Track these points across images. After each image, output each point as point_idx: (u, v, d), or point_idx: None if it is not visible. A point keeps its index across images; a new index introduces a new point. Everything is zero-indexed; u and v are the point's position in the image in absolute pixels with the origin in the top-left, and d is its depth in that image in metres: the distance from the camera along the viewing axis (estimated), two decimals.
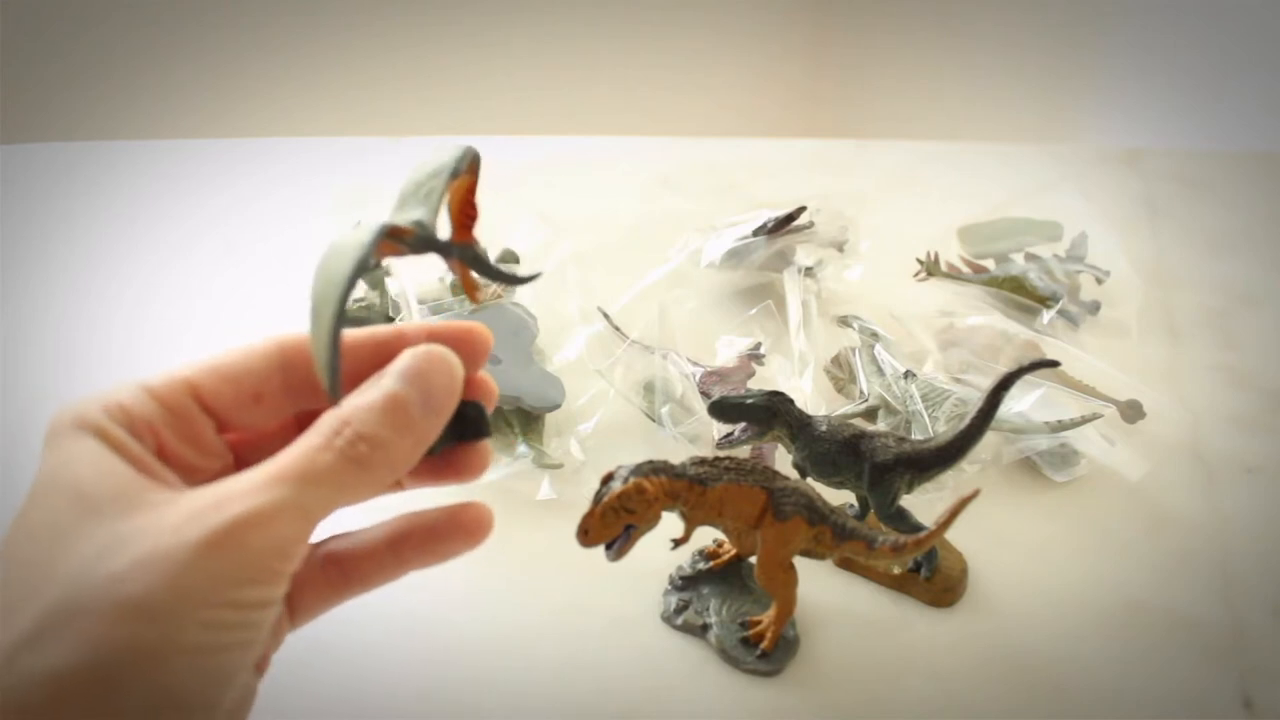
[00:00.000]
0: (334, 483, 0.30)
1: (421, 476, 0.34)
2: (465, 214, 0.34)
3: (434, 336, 0.33)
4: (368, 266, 0.31)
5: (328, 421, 0.31)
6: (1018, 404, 0.60)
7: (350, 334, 0.33)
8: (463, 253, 0.34)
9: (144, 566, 0.27)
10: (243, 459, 0.33)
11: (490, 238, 0.74)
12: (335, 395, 0.31)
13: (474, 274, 0.35)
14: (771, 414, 0.53)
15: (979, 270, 0.72)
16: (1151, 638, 0.52)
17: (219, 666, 0.28)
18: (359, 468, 0.30)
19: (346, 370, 0.31)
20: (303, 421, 0.33)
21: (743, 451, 0.56)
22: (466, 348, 0.33)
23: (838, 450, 0.52)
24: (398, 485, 0.34)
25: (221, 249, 0.78)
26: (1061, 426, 0.59)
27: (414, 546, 0.34)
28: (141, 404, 0.31)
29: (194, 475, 0.32)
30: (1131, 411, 0.62)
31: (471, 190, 0.34)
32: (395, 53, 1.18)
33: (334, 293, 0.30)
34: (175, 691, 0.27)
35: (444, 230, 0.33)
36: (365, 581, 0.34)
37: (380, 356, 0.32)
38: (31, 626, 0.26)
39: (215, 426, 0.32)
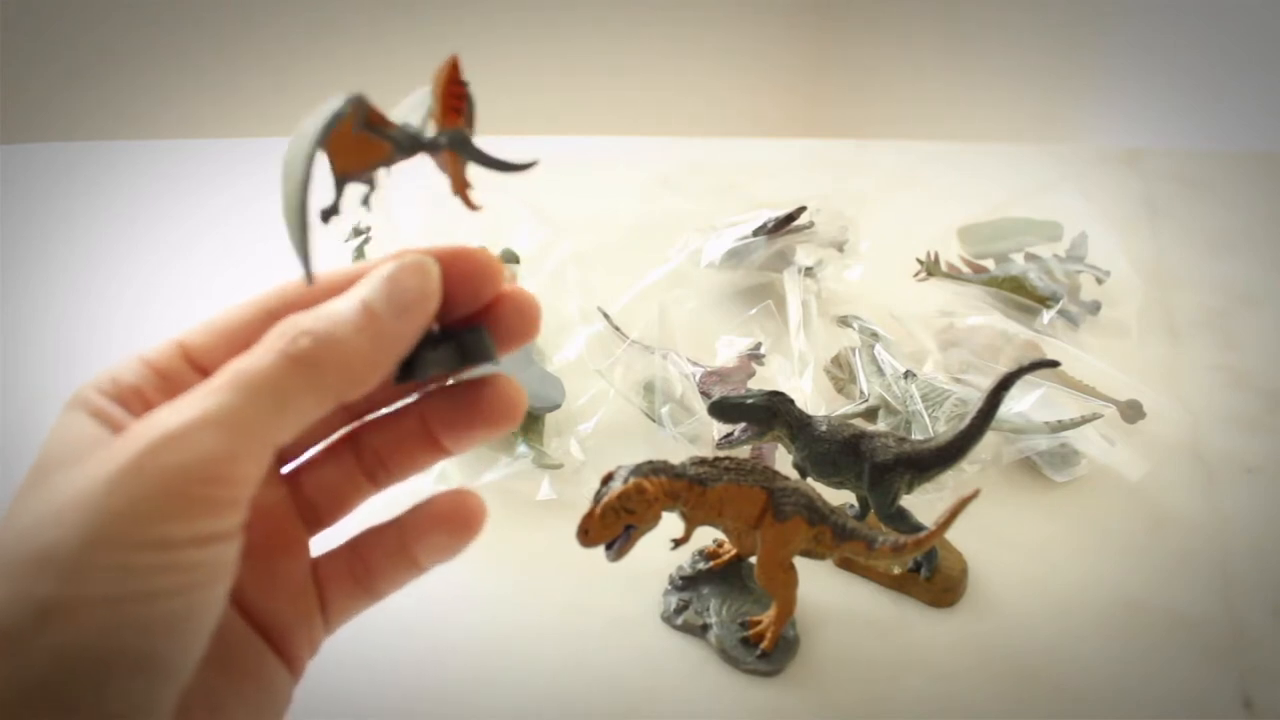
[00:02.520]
0: (273, 387, 0.26)
1: (449, 426, 0.32)
2: (452, 93, 0.30)
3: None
4: (328, 135, 0.28)
5: (276, 326, 0.28)
6: (1018, 404, 0.60)
7: (340, 270, 0.30)
8: (452, 139, 0.30)
9: (57, 513, 0.25)
10: None
11: (490, 238, 0.74)
12: (310, 281, 0.28)
13: (467, 169, 0.31)
14: (771, 414, 0.53)
15: (979, 270, 0.72)
16: (1151, 638, 0.52)
17: (156, 617, 0.25)
18: (303, 367, 0.27)
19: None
20: None
21: (743, 451, 0.56)
22: (467, 268, 0.30)
23: (838, 450, 0.52)
24: (436, 448, 0.32)
25: (221, 249, 0.78)
26: (1061, 426, 0.59)
27: (418, 535, 0.32)
28: (133, 372, 0.29)
29: None
30: (1131, 411, 0.62)
31: (455, 71, 0.30)
32: (395, 52, 1.18)
33: (298, 171, 0.27)
34: (95, 648, 0.24)
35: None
36: (386, 577, 0.32)
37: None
38: None
39: None
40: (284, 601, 0.31)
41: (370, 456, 0.33)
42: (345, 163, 0.30)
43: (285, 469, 0.33)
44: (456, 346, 0.30)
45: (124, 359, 0.30)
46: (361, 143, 0.30)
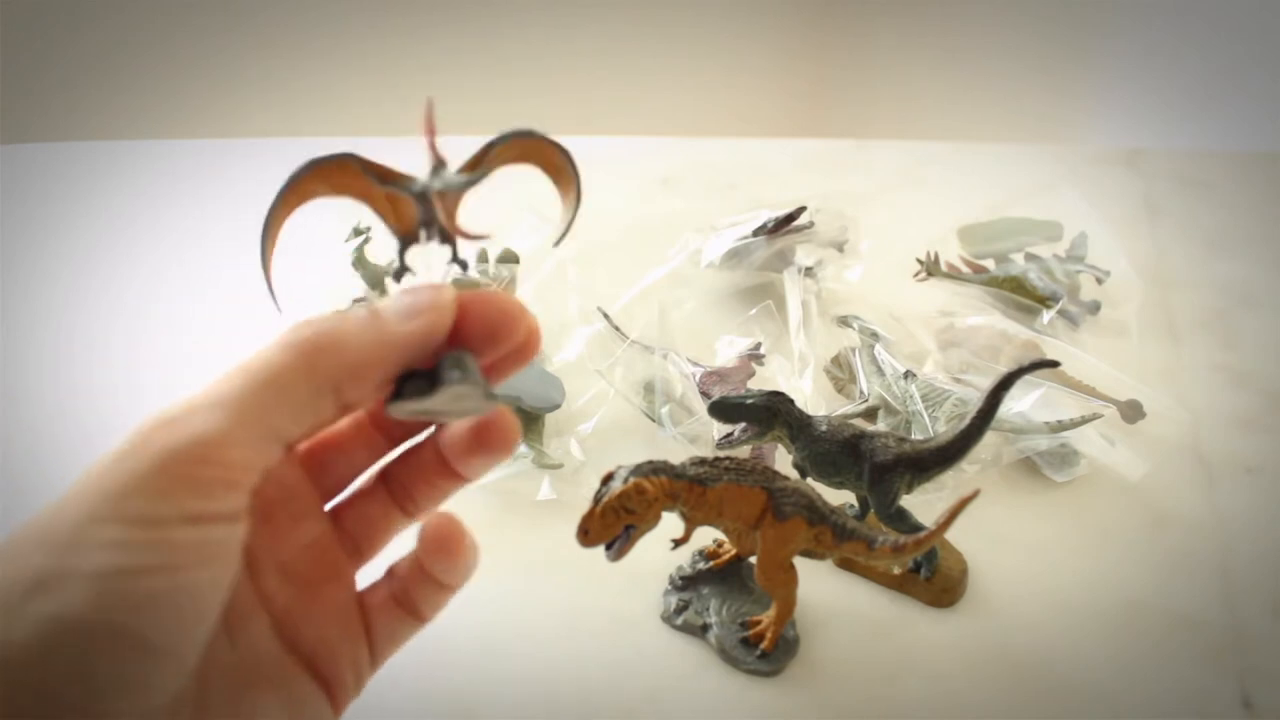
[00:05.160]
0: (270, 372, 0.27)
1: (458, 454, 0.32)
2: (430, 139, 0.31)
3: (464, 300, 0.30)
4: (292, 184, 0.30)
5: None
6: (1018, 404, 0.60)
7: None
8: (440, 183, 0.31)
9: (60, 495, 0.26)
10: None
11: (491, 238, 0.74)
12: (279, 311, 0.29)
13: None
14: (771, 414, 0.53)
15: (979, 270, 0.72)
16: (1151, 638, 0.52)
17: (145, 593, 0.25)
18: (300, 354, 0.28)
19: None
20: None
21: (743, 451, 0.56)
22: (489, 310, 0.30)
23: (838, 450, 0.52)
24: (454, 476, 0.33)
25: (221, 249, 0.78)
26: (1061, 426, 0.59)
27: (427, 555, 0.33)
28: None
29: None
30: (1131, 411, 0.62)
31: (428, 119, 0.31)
32: (396, 52, 1.18)
33: (263, 225, 0.29)
34: (82, 620, 0.24)
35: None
36: (421, 598, 0.33)
37: None
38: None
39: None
40: (329, 627, 0.32)
41: (399, 490, 0.34)
42: (400, 225, 0.31)
43: (327, 506, 0.33)
44: (433, 372, 0.30)
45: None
46: (396, 202, 0.31)
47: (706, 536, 0.53)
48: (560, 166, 0.33)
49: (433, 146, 0.31)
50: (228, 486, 0.27)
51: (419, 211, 0.31)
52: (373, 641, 0.33)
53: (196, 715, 0.28)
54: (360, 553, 0.34)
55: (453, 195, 0.31)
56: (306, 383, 0.28)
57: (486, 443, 0.32)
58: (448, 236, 0.31)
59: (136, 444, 0.26)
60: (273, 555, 0.31)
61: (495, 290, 0.31)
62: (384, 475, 0.34)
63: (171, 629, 0.26)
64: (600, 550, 0.46)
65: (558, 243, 0.34)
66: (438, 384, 0.29)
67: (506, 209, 0.74)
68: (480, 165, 0.32)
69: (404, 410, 0.30)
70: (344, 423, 0.33)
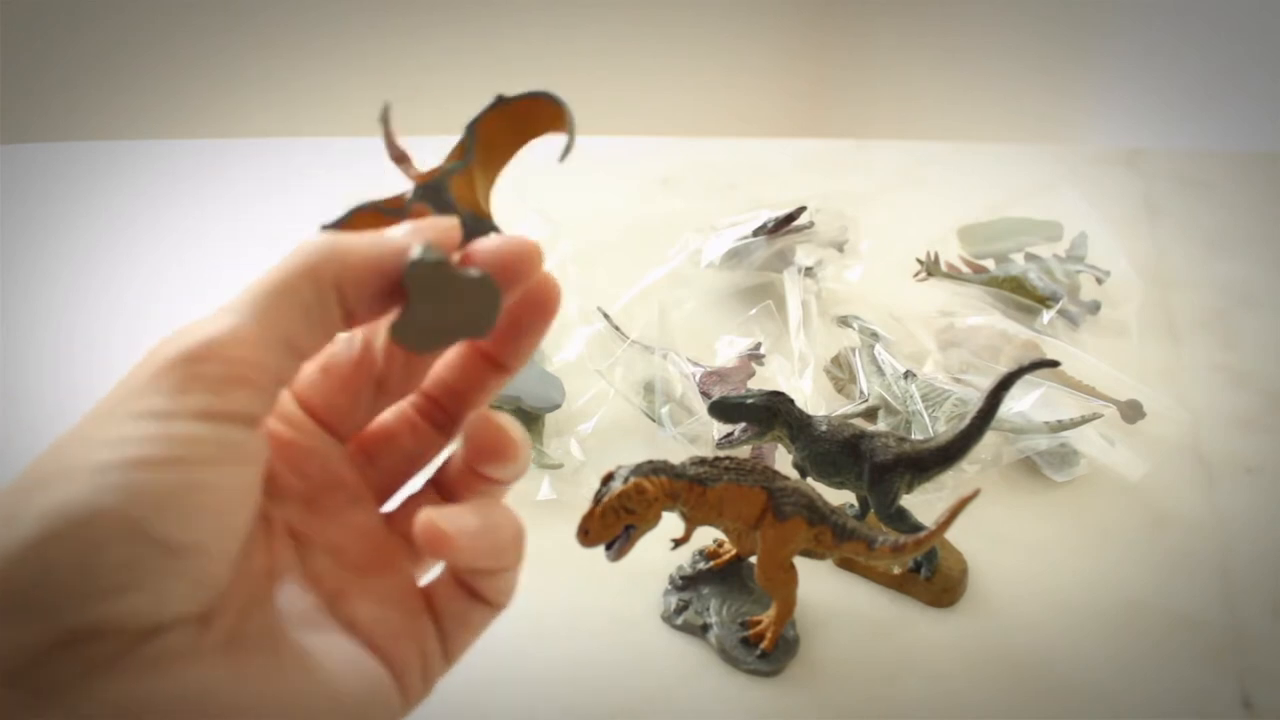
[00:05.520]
0: (275, 278, 0.28)
1: (480, 461, 0.32)
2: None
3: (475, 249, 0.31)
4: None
5: None
6: (1018, 404, 0.60)
7: None
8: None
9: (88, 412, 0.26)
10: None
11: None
12: None
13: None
14: (771, 414, 0.53)
15: (979, 270, 0.72)
16: (1151, 638, 0.52)
17: (148, 484, 0.25)
18: (304, 260, 0.28)
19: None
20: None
21: (743, 451, 0.56)
22: (510, 264, 0.30)
23: (838, 450, 0.52)
24: (486, 480, 0.33)
25: (221, 249, 0.78)
26: (1061, 426, 0.59)
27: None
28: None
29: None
30: (1131, 411, 0.62)
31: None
32: (395, 52, 1.18)
33: None
34: (82, 507, 0.24)
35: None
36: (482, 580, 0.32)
37: None
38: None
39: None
40: (387, 609, 0.31)
41: (446, 493, 0.34)
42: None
43: (383, 509, 0.33)
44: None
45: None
46: (421, 213, 0.31)
47: (706, 536, 0.53)
48: (550, 113, 0.34)
49: (391, 144, 0.31)
50: (239, 383, 0.27)
51: (434, 210, 0.31)
52: (442, 629, 0.32)
53: (229, 647, 0.27)
54: (419, 555, 0.33)
55: (463, 183, 0.32)
56: (310, 286, 0.28)
57: (484, 453, 0.32)
58: (479, 220, 0.32)
59: (148, 355, 0.27)
60: (322, 537, 0.31)
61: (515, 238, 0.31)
62: (435, 481, 0.34)
63: (183, 525, 0.25)
64: (600, 550, 0.46)
65: (563, 158, 0.35)
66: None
67: (507, 209, 0.74)
68: (466, 149, 0.32)
69: (403, 331, 0.30)
70: (389, 415, 0.33)
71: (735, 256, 0.71)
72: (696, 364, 0.63)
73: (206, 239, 0.79)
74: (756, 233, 0.71)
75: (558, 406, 0.61)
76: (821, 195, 0.74)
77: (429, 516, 0.29)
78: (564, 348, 0.66)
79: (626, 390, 0.64)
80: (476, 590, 0.32)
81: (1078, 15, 1.17)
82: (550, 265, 0.72)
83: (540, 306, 0.32)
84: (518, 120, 0.36)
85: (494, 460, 0.32)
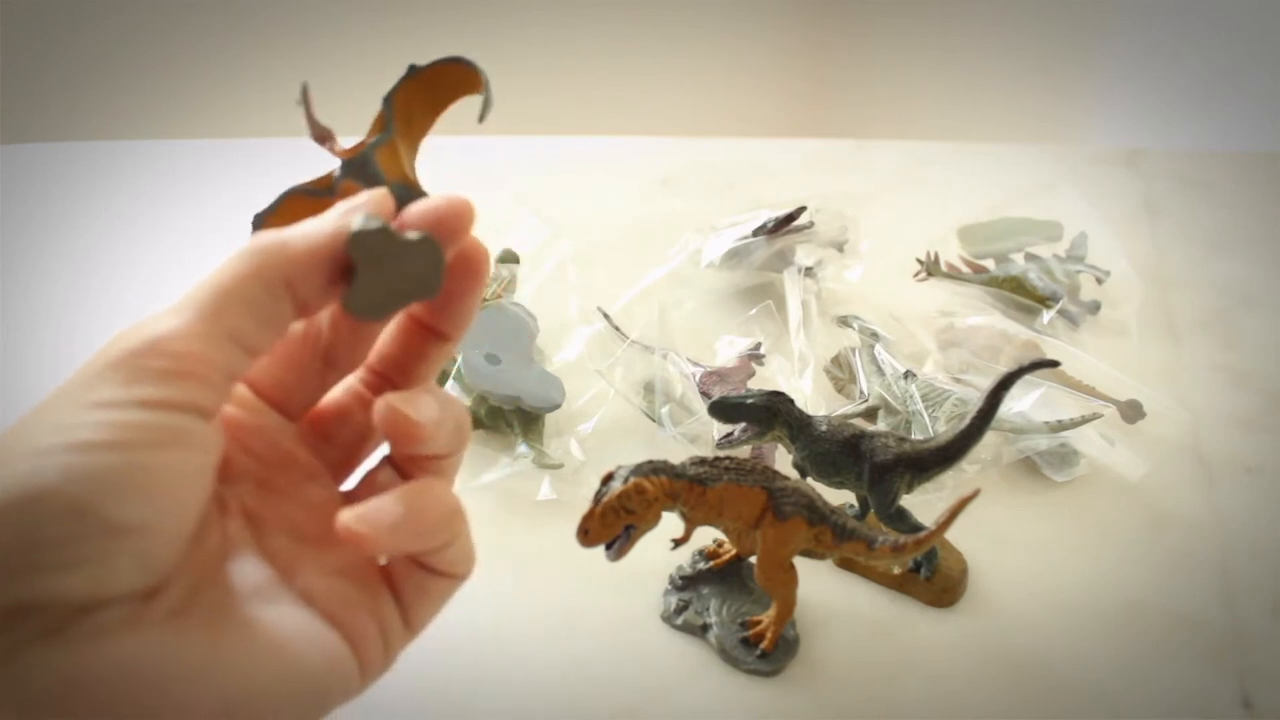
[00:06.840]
0: (221, 275, 0.29)
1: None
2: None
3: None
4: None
5: None
6: (1018, 404, 0.60)
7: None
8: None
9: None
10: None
11: (491, 237, 0.74)
12: None
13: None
14: (771, 414, 0.53)
15: (979, 270, 0.72)
16: (1151, 638, 0.52)
17: (90, 466, 0.25)
18: (245, 257, 0.29)
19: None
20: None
21: (743, 451, 0.56)
22: (446, 222, 0.31)
23: (838, 450, 0.52)
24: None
25: (221, 249, 0.78)
26: (1061, 426, 0.59)
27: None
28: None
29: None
30: (1131, 411, 0.62)
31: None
32: (396, 52, 1.18)
33: None
34: (22, 486, 0.25)
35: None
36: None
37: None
38: None
39: None
40: (342, 580, 0.31)
41: (401, 470, 0.34)
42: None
43: (342, 488, 0.34)
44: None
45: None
46: (351, 190, 0.32)
47: (706, 536, 0.53)
48: (464, 77, 0.34)
49: (313, 123, 0.32)
50: (185, 376, 0.27)
51: (363, 185, 0.32)
52: (402, 600, 0.32)
53: (173, 618, 0.27)
54: None
55: (388, 155, 0.33)
56: (257, 282, 0.29)
57: (394, 438, 0.31)
58: (408, 189, 0.33)
59: (98, 352, 0.27)
60: (277, 514, 0.31)
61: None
62: (389, 459, 0.34)
63: (125, 506, 0.26)
64: (600, 550, 0.46)
65: (482, 118, 0.36)
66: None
67: (507, 209, 0.74)
68: (386, 122, 0.33)
69: (355, 302, 0.30)
70: (340, 392, 0.34)
71: (735, 256, 0.71)
72: (696, 364, 0.63)
73: (206, 239, 0.79)
74: (756, 233, 0.71)
75: (558, 406, 0.61)
76: (821, 195, 0.74)
77: (343, 520, 0.29)
78: (564, 348, 0.66)
79: (626, 390, 0.64)
80: (427, 565, 0.32)
81: (1078, 15, 1.17)
82: (550, 265, 0.72)
83: (470, 270, 0.32)
84: (432, 88, 0.37)
85: (405, 444, 0.32)
